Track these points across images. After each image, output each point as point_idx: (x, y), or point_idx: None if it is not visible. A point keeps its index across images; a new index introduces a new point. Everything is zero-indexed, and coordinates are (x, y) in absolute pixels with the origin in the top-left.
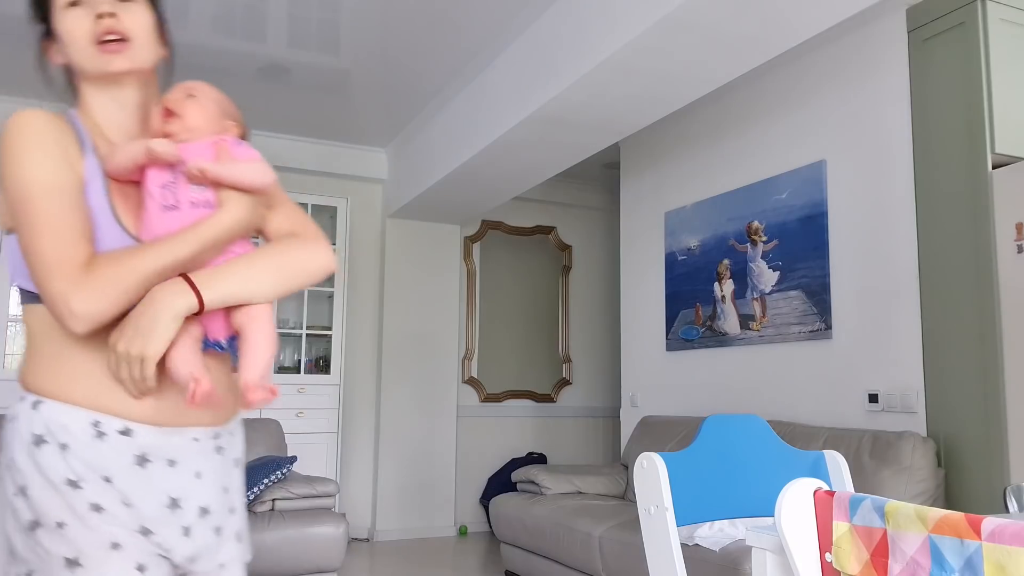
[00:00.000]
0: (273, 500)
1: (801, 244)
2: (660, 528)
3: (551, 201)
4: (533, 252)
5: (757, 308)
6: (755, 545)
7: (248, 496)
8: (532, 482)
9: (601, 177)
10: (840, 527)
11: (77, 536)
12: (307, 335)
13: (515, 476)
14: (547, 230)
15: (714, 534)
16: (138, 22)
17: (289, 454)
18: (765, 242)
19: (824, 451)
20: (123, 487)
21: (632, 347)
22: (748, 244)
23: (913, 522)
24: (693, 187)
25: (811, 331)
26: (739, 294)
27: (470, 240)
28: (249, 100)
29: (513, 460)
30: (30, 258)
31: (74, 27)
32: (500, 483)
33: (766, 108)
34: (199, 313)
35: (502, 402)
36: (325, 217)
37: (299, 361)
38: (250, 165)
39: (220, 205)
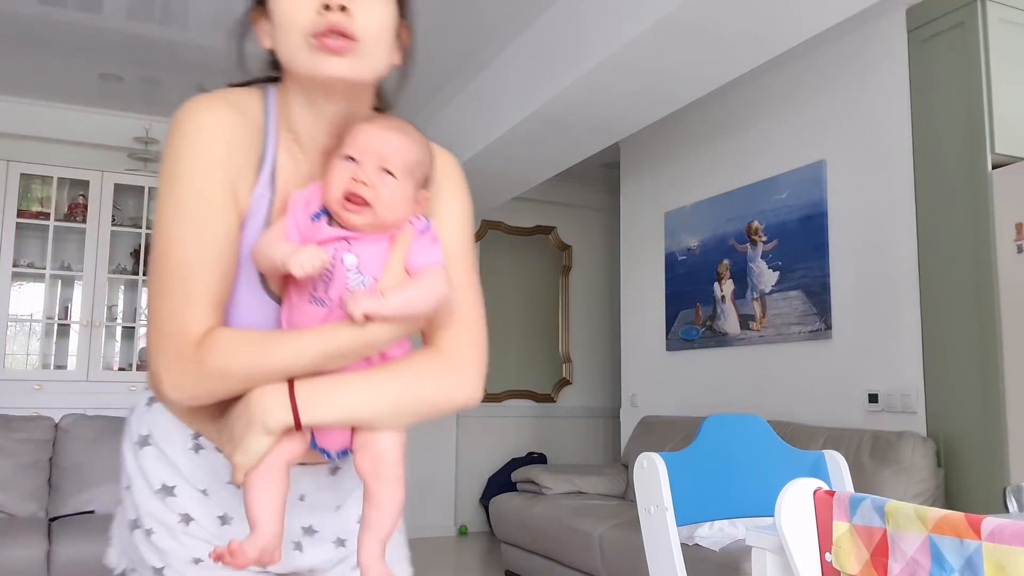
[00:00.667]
0: None
1: (801, 244)
2: (660, 528)
3: (551, 201)
4: (533, 252)
5: (757, 308)
6: (755, 545)
7: None
8: (532, 482)
9: (601, 177)
10: (840, 527)
11: (163, 544)
12: None
13: (515, 476)
14: (547, 230)
15: (714, 534)
16: (375, 22)
17: None
18: (765, 242)
19: (824, 451)
20: (218, 500)
21: (632, 347)
22: (748, 244)
23: (913, 522)
24: (693, 187)
25: (811, 331)
26: (739, 294)
27: None
28: None
29: (513, 460)
30: (149, 308)
31: (293, 9)
32: (500, 483)
33: (766, 108)
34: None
35: (502, 402)
36: None
37: None
38: (425, 289)
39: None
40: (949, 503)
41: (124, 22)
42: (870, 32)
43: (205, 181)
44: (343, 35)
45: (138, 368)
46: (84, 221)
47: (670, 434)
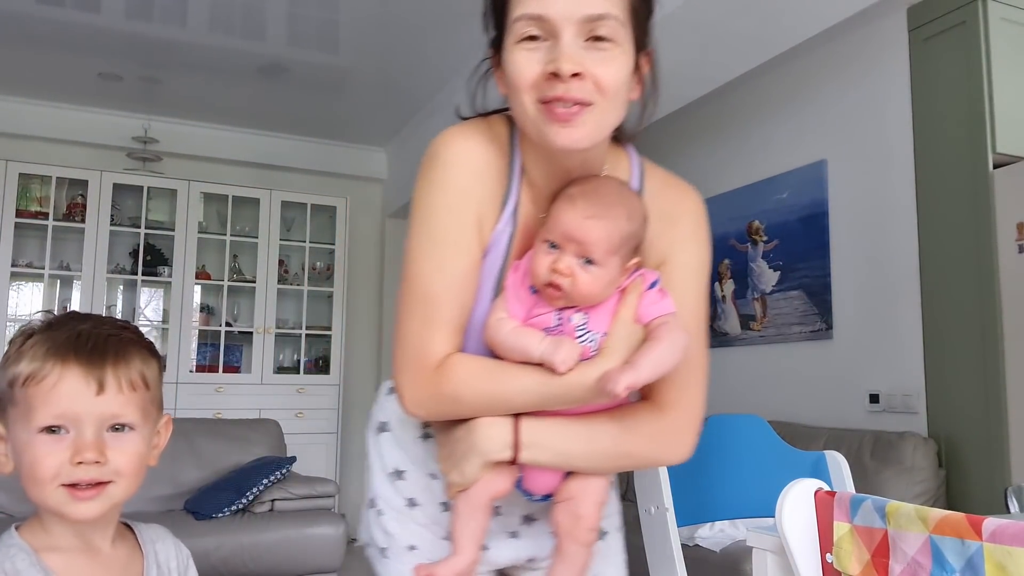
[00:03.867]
0: (272, 501)
1: (802, 244)
2: (661, 528)
3: None
4: None
5: (758, 308)
6: (756, 546)
7: (247, 497)
8: None
9: None
10: (841, 527)
11: (390, 527)
12: (306, 335)
13: None
14: None
15: (715, 535)
16: (610, 77)
17: (288, 454)
18: (766, 242)
19: (825, 451)
20: (444, 486)
21: None
22: (749, 244)
23: (914, 522)
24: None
25: (812, 331)
26: (740, 294)
27: None
28: (248, 99)
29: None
30: (395, 327)
31: (520, 70)
32: None
33: (766, 108)
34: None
35: None
36: (325, 217)
37: (298, 361)
38: (668, 345)
39: (600, 353)
40: (950, 503)
41: (123, 22)
42: (871, 31)
43: (454, 215)
44: (574, 102)
45: None
46: (83, 221)
47: None
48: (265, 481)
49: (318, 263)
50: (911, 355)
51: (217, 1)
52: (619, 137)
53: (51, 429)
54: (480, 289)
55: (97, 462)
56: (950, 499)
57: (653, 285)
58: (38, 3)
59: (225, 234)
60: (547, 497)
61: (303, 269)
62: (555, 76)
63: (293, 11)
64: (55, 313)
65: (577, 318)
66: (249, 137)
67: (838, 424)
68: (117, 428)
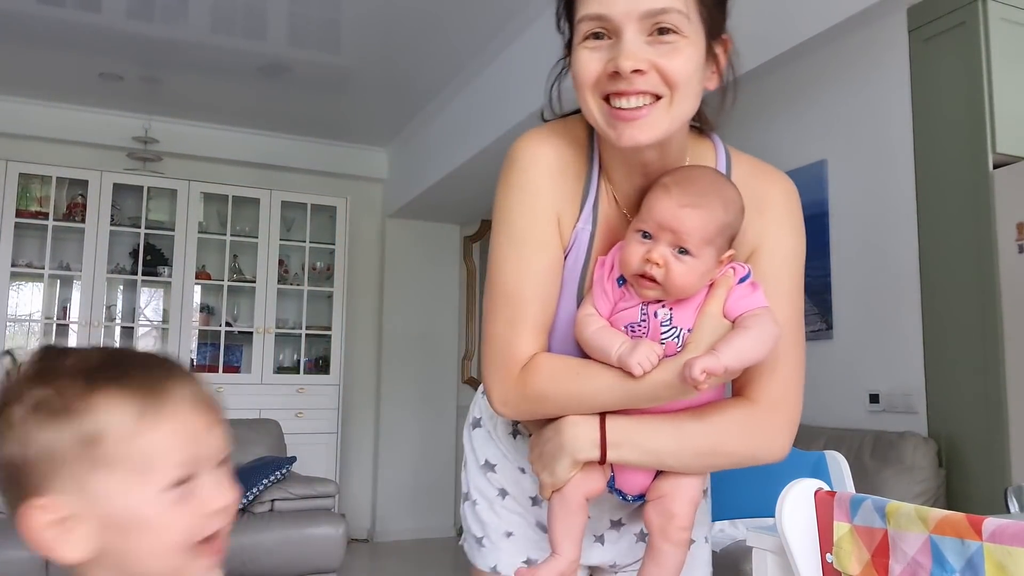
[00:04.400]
0: (272, 501)
1: None
2: None
3: None
4: None
5: None
6: (756, 546)
7: (247, 497)
8: None
9: None
10: (841, 527)
11: (484, 516)
12: (306, 335)
13: None
14: None
15: (715, 534)
16: (677, 68)
17: (288, 454)
18: None
19: (825, 451)
20: (534, 481)
21: None
22: None
23: (914, 522)
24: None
25: (812, 331)
26: None
27: (470, 240)
28: (249, 99)
29: None
30: (484, 329)
31: (583, 69)
32: None
33: (766, 108)
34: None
35: None
36: (325, 217)
37: (298, 361)
38: (755, 336)
39: (685, 349)
40: (951, 503)
41: (124, 21)
42: (871, 32)
43: (532, 215)
44: (639, 93)
45: None
46: (83, 221)
47: None
48: (265, 481)
49: (318, 263)
50: (911, 355)
51: (218, 1)
52: (702, 126)
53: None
54: (563, 287)
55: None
56: (950, 499)
57: (744, 279)
58: (38, 3)
59: (225, 234)
60: (641, 497)
61: (303, 269)
62: (616, 74)
63: (294, 11)
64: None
65: (662, 313)
66: (249, 137)
67: (838, 424)
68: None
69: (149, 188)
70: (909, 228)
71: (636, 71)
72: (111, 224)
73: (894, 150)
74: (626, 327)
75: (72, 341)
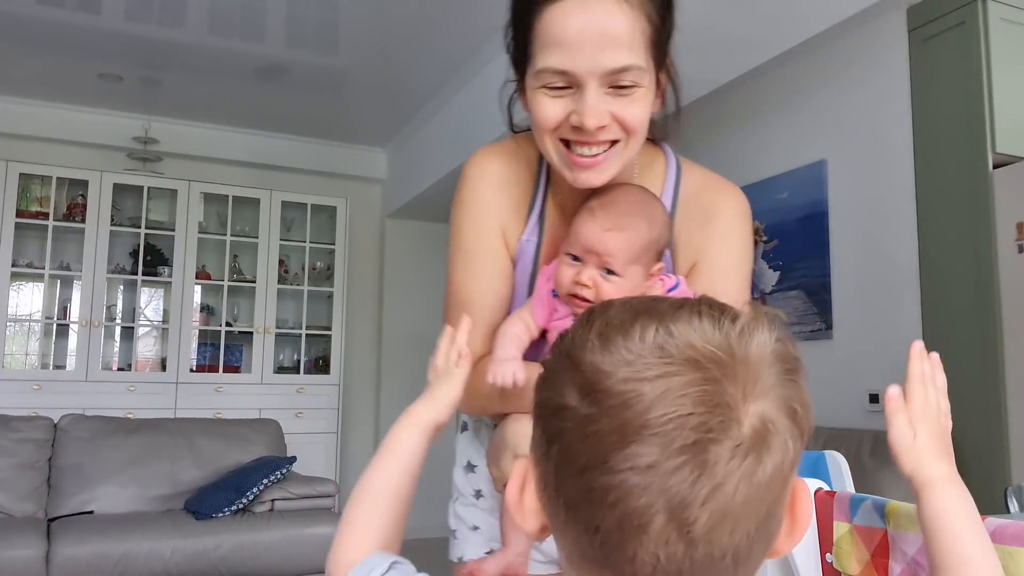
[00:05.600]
0: (272, 500)
1: (801, 244)
2: None
3: None
4: None
5: None
6: None
7: (247, 496)
8: None
9: None
10: (840, 527)
11: (461, 511)
12: (306, 335)
13: None
14: None
15: None
16: (635, 116)
17: (288, 454)
18: (765, 242)
19: (824, 451)
20: None
21: None
22: None
23: (914, 522)
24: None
25: (811, 331)
26: None
27: None
28: (248, 100)
29: None
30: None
31: (545, 115)
32: None
33: (766, 108)
34: None
35: None
36: (324, 217)
37: (298, 361)
38: None
39: None
40: None
41: (123, 22)
42: (870, 32)
43: (477, 227)
44: (600, 144)
45: (137, 368)
46: (83, 221)
47: None
48: (265, 481)
49: (318, 263)
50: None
51: (217, 2)
52: (655, 138)
53: None
54: (515, 296)
55: None
56: None
57: (672, 289)
58: (38, 3)
59: (225, 234)
60: None
61: (303, 269)
62: (576, 129)
63: (293, 12)
64: None
65: None
66: (249, 137)
67: (837, 424)
68: None
69: (149, 188)
70: (908, 228)
71: (601, 127)
72: (111, 224)
73: (894, 150)
74: (559, 334)
75: (72, 341)
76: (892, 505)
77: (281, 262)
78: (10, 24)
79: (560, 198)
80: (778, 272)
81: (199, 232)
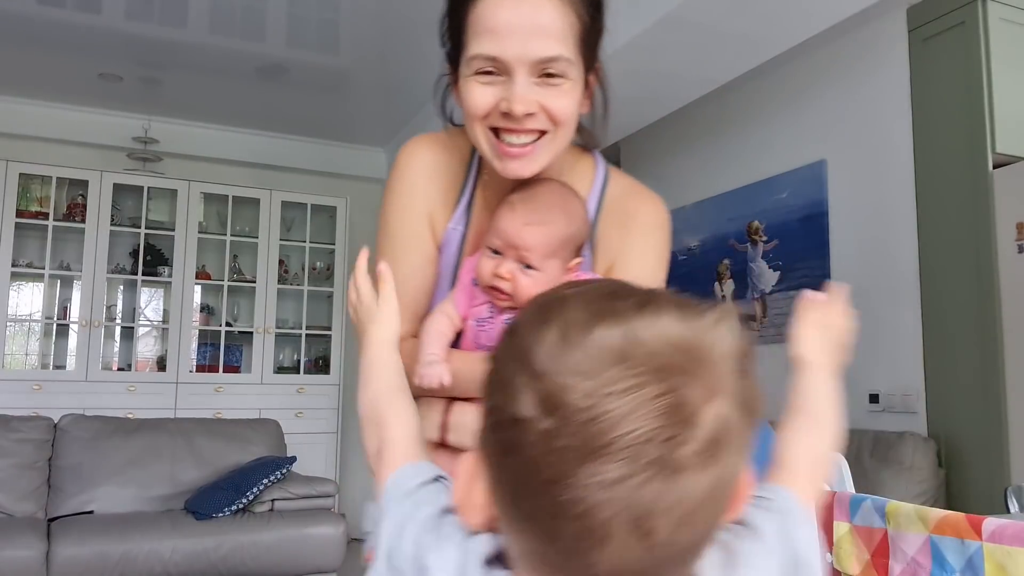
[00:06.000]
0: (272, 500)
1: (801, 244)
2: None
3: None
4: None
5: (758, 308)
6: None
7: (247, 496)
8: None
9: None
10: (841, 527)
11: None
12: (306, 335)
13: None
14: None
15: None
16: (562, 108)
17: (288, 454)
18: (765, 242)
19: None
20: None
21: None
22: (748, 244)
23: (914, 522)
24: (693, 187)
25: None
26: (740, 294)
27: None
28: (248, 99)
29: None
30: None
31: (475, 102)
32: None
33: (766, 107)
34: None
35: None
36: (324, 217)
37: (298, 361)
38: None
39: None
40: (950, 503)
41: (123, 22)
42: (870, 32)
43: (404, 213)
44: (528, 132)
45: (137, 368)
46: (83, 221)
47: None
48: (265, 481)
49: (318, 263)
50: (911, 355)
51: (217, 1)
52: (586, 144)
53: None
54: (439, 283)
55: None
56: (950, 499)
57: None
58: (38, 3)
59: (225, 234)
60: None
61: (303, 269)
62: (505, 115)
63: (293, 11)
64: None
65: (508, 317)
66: (249, 137)
67: None
68: None
69: (149, 188)
70: (908, 228)
71: (528, 114)
72: (111, 224)
73: (893, 150)
74: (476, 321)
75: (72, 341)
76: (892, 505)
77: (281, 262)
78: (10, 24)
79: (489, 191)
80: (778, 272)
81: (199, 232)
